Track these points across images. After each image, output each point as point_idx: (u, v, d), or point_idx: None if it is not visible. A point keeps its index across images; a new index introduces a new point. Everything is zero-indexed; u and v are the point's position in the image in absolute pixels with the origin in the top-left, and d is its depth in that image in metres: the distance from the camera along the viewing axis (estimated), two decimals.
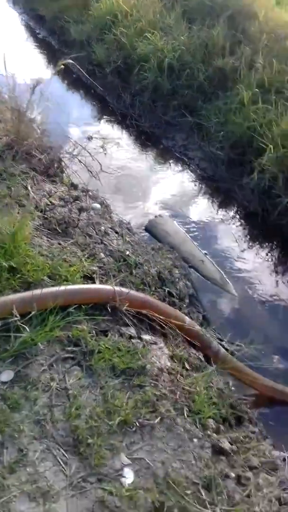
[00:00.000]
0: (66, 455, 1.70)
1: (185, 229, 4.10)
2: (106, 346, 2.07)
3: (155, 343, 2.28)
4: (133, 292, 2.38)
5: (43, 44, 9.07)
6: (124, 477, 1.66)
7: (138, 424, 1.81)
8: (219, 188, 4.67)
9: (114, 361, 2.02)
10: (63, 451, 1.71)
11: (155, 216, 4.15)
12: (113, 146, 4.50)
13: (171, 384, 2.05)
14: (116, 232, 2.94)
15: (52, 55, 8.12)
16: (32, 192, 2.98)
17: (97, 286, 2.34)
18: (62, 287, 2.17)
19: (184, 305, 2.83)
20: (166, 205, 4.46)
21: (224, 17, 5.58)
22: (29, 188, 3.01)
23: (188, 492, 1.64)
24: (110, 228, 2.94)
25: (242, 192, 4.43)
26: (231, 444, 1.90)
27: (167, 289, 2.75)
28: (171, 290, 2.77)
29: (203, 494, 1.64)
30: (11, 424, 1.75)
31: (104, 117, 6.35)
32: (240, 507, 1.59)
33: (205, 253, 3.81)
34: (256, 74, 4.83)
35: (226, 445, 1.86)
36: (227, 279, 3.57)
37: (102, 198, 3.37)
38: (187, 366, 2.28)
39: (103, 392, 1.91)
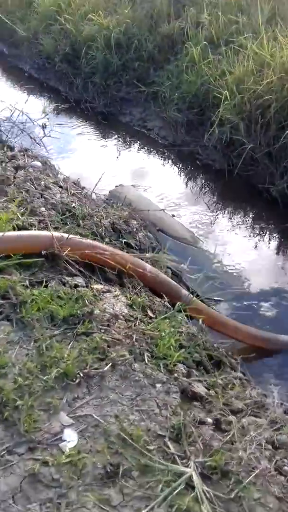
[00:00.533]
0: None
1: (152, 199, 3.74)
2: (43, 295, 1.67)
3: (109, 291, 1.88)
4: (75, 237, 1.99)
5: None
6: (64, 441, 1.24)
7: (82, 375, 1.41)
8: (182, 153, 4.32)
9: (53, 309, 1.62)
10: None
11: (116, 186, 3.77)
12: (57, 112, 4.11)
13: (127, 330, 1.65)
14: (60, 187, 2.55)
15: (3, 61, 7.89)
16: None
17: (29, 232, 1.95)
18: None
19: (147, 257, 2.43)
20: (130, 177, 4.10)
21: None
22: None
23: (151, 447, 1.23)
24: (53, 183, 2.56)
25: (206, 152, 4.09)
26: (208, 390, 1.50)
27: (124, 240, 2.36)
28: (129, 241, 2.38)
29: (171, 447, 1.23)
30: None
31: (59, 107, 6.02)
32: (220, 456, 1.18)
33: (173, 215, 3.44)
34: (203, 31, 4.54)
35: (200, 389, 1.45)
36: (198, 237, 3.20)
37: (44, 157, 2.98)
38: (150, 313, 1.88)
39: (37, 345, 1.50)
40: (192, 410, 1.35)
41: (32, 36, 7.11)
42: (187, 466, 1.17)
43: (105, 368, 1.43)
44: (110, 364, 1.44)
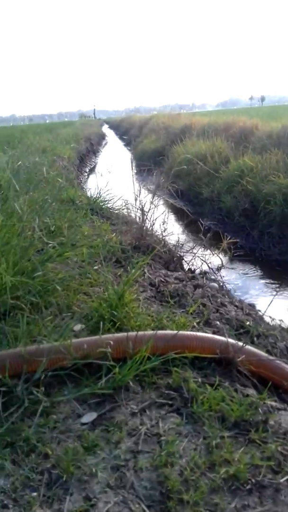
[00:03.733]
0: (147, 511, 1.18)
1: None
2: (214, 395, 1.60)
3: (285, 410, 1.70)
4: (253, 348, 1.92)
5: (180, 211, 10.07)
6: None
7: (254, 482, 1.23)
8: None
9: (224, 410, 1.52)
10: (144, 507, 1.20)
11: None
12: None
13: None
14: (235, 306, 2.58)
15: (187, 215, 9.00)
16: (148, 273, 2.89)
17: (206, 334, 1.96)
18: (162, 331, 1.86)
19: None
20: None
21: None
22: (146, 271, 2.93)
23: None
24: (228, 302, 2.60)
25: None
26: None
27: None
28: None
29: None
30: (83, 466, 1.33)
31: (234, 254, 6.39)
32: None
33: None
34: None
35: None
36: None
37: (221, 281, 3.10)
38: None
39: (206, 442, 1.40)
40: None
41: (215, 196, 8.04)
42: None
43: (281, 481, 1.23)
44: (286, 478, 1.24)
